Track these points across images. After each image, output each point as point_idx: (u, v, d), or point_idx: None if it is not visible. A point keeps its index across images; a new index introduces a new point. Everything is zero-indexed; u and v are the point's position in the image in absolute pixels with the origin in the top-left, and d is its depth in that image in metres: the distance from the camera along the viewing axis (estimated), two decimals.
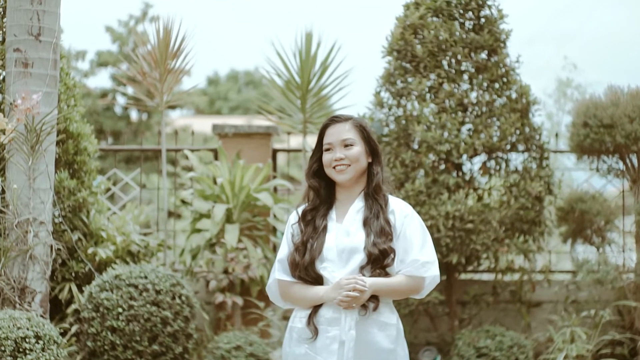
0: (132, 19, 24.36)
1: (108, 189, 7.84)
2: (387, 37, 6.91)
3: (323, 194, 3.71)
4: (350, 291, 3.47)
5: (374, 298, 3.54)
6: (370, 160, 3.70)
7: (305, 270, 3.60)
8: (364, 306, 3.53)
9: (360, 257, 3.57)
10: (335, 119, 3.70)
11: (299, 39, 7.49)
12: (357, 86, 7.93)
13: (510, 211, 6.65)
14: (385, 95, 6.89)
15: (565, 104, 14.29)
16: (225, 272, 7.14)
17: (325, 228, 3.63)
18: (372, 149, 3.70)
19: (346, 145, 3.66)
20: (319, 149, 3.73)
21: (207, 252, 7.30)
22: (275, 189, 8.34)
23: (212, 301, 7.28)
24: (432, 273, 3.61)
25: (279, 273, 3.68)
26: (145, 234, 7.53)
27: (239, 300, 7.10)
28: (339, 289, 3.50)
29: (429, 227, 6.40)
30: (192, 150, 8.77)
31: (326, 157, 3.68)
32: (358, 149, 3.67)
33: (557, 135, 8.12)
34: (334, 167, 3.66)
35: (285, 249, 3.70)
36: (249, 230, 7.58)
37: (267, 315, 7.15)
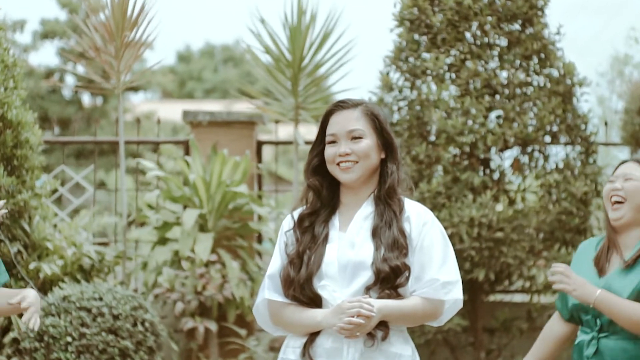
0: None
1: (55, 190, 7.80)
2: (396, 4, 6.89)
3: (325, 196, 3.70)
4: (354, 316, 3.44)
5: (383, 325, 3.54)
6: (383, 156, 3.69)
7: (301, 288, 3.60)
8: (371, 335, 3.52)
9: (366, 275, 3.56)
10: (341, 105, 3.69)
11: (290, 4, 7.45)
12: (361, 65, 7.91)
13: (549, 217, 6.65)
14: (394, 75, 6.88)
15: (622, 86, 14.24)
16: (196, 291, 7.12)
17: (326, 237, 3.63)
18: (386, 143, 3.69)
19: (354, 138, 3.65)
20: (320, 141, 3.73)
21: (173, 267, 7.28)
22: (260, 188, 8.31)
23: (181, 327, 7.27)
24: (453, 296, 3.62)
25: (269, 292, 3.68)
26: (100, 245, 7.50)
27: (213, 327, 7.09)
28: (340, 313, 3.48)
29: (450, 237, 6.34)
30: (158, 143, 8.74)
31: (329, 151, 3.67)
32: (368, 142, 3.65)
33: (606, 124, 8.11)
34: (338, 164, 3.65)
35: (277, 262, 3.70)
36: (227, 240, 7.56)
37: (249, 345, 7.13)
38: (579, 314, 4.18)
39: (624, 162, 4.24)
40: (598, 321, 4.07)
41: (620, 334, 4.04)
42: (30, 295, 3.73)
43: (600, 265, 4.14)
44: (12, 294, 3.80)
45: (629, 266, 4.05)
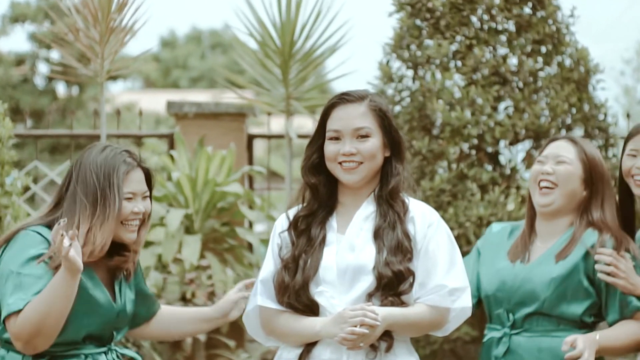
0: None
1: (27, 188, 7.80)
2: None
3: (323, 195, 3.69)
4: (357, 326, 3.44)
5: (387, 335, 3.55)
6: (387, 154, 3.68)
7: (296, 295, 3.61)
8: (374, 346, 3.53)
9: (367, 280, 3.57)
10: (345, 97, 3.68)
11: None
12: (359, 51, 7.90)
13: None
14: (395, 64, 6.87)
15: None
16: (183, 298, 7.12)
17: (323, 240, 3.63)
18: (392, 141, 3.69)
19: (359, 136, 3.64)
20: (320, 135, 3.71)
21: (158, 272, 7.28)
22: (251, 184, 8.30)
23: (167, 338, 7.26)
24: (461, 304, 3.63)
25: (262, 298, 3.69)
26: None
27: (202, 337, 7.08)
28: (342, 322, 3.49)
29: (456, 238, 6.34)
30: (140, 137, 8.74)
31: (331, 148, 3.67)
32: (375, 141, 3.66)
33: (628, 115, 8.10)
34: (340, 163, 3.63)
35: (269, 266, 3.70)
36: (215, 243, 7.56)
37: (239, 358, 7.13)
38: (490, 307, 4.09)
39: (553, 139, 4.13)
40: (511, 316, 3.99)
41: (536, 330, 3.97)
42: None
43: (518, 256, 4.04)
44: None
45: (561, 258, 3.98)
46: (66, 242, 3.42)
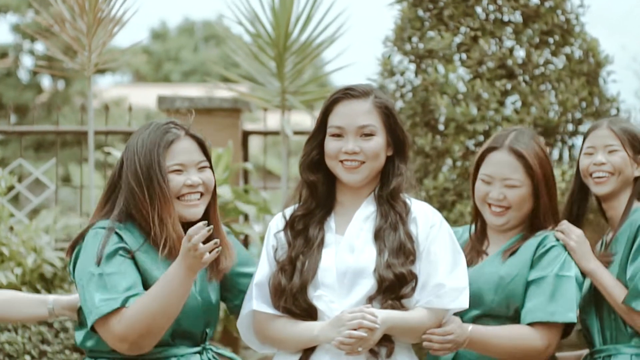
0: None
1: (11, 187, 7.80)
2: None
3: (321, 194, 3.69)
4: (355, 329, 3.44)
5: (387, 340, 3.56)
6: (390, 153, 3.69)
7: (294, 299, 3.62)
8: (374, 352, 3.53)
9: (368, 284, 3.59)
10: (350, 92, 3.68)
11: None
12: (357, 43, 7.90)
13: None
14: (396, 57, 6.87)
15: None
16: None
17: (322, 241, 3.63)
18: (397, 140, 3.69)
19: (364, 135, 3.64)
20: (321, 130, 3.71)
21: None
22: (246, 181, 8.30)
23: None
24: (459, 304, 3.64)
25: (257, 302, 3.69)
26: (64, 250, 7.50)
27: None
28: (340, 325, 3.50)
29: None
30: (130, 133, 8.72)
31: (332, 145, 3.67)
32: (379, 140, 3.67)
33: None
34: (341, 162, 3.63)
35: (265, 269, 3.70)
36: None
37: None
38: None
39: (492, 148, 4.08)
40: (460, 319, 3.95)
41: None
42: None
43: (472, 260, 4.04)
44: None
45: (506, 257, 3.99)
46: (206, 252, 3.36)
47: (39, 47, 24.06)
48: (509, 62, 6.72)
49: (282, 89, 7.50)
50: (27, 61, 25.15)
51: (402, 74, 6.84)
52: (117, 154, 7.95)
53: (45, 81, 25.58)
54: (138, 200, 3.59)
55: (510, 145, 4.04)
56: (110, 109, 9.21)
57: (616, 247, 4.17)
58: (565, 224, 4.13)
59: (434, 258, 3.62)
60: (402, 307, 3.57)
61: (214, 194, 3.70)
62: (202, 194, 3.66)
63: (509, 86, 6.73)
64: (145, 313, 3.44)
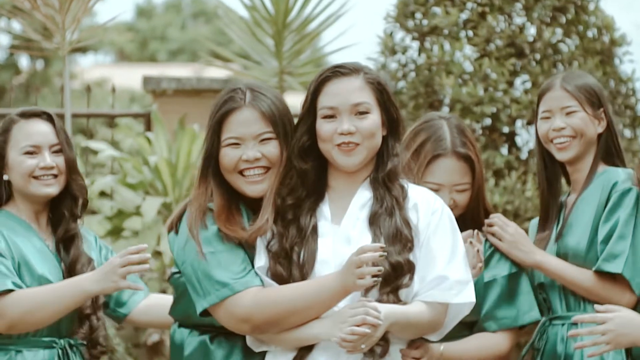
0: None
1: None
2: None
3: (311, 181, 3.68)
4: (358, 325, 3.44)
5: (382, 338, 3.52)
6: (385, 133, 3.68)
7: None
8: (371, 350, 3.52)
9: None
10: (339, 70, 3.66)
11: None
12: (359, 24, 7.90)
13: None
14: (398, 35, 6.88)
15: None
16: None
17: (314, 230, 3.62)
18: (391, 118, 3.68)
19: (358, 113, 3.64)
20: (310, 114, 3.70)
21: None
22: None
23: (144, 341, 7.28)
24: (462, 299, 3.61)
25: (260, 280, 3.65)
26: None
27: None
28: (341, 322, 3.48)
29: None
30: (113, 117, 8.75)
31: (326, 127, 3.64)
32: (374, 118, 3.65)
33: None
34: (338, 145, 3.62)
35: (262, 258, 3.66)
36: None
37: None
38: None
39: (438, 155, 4.12)
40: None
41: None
42: None
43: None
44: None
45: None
46: (367, 276, 3.42)
47: (16, 25, 24.04)
48: (519, 40, 6.73)
49: (280, 69, 7.49)
50: (3, 40, 25.17)
51: (404, 52, 6.84)
52: (96, 144, 7.95)
53: (23, 61, 25.62)
54: (213, 185, 3.67)
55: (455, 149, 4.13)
56: (93, 90, 9.21)
57: (582, 209, 4.17)
58: (497, 218, 4.16)
59: (434, 246, 3.59)
60: (398, 300, 3.55)
61: (279, 166, 3.70)
62: (267, 169, 3.69)
63: (518, 65, 6.74)
64: (283, 305, 3.53)
